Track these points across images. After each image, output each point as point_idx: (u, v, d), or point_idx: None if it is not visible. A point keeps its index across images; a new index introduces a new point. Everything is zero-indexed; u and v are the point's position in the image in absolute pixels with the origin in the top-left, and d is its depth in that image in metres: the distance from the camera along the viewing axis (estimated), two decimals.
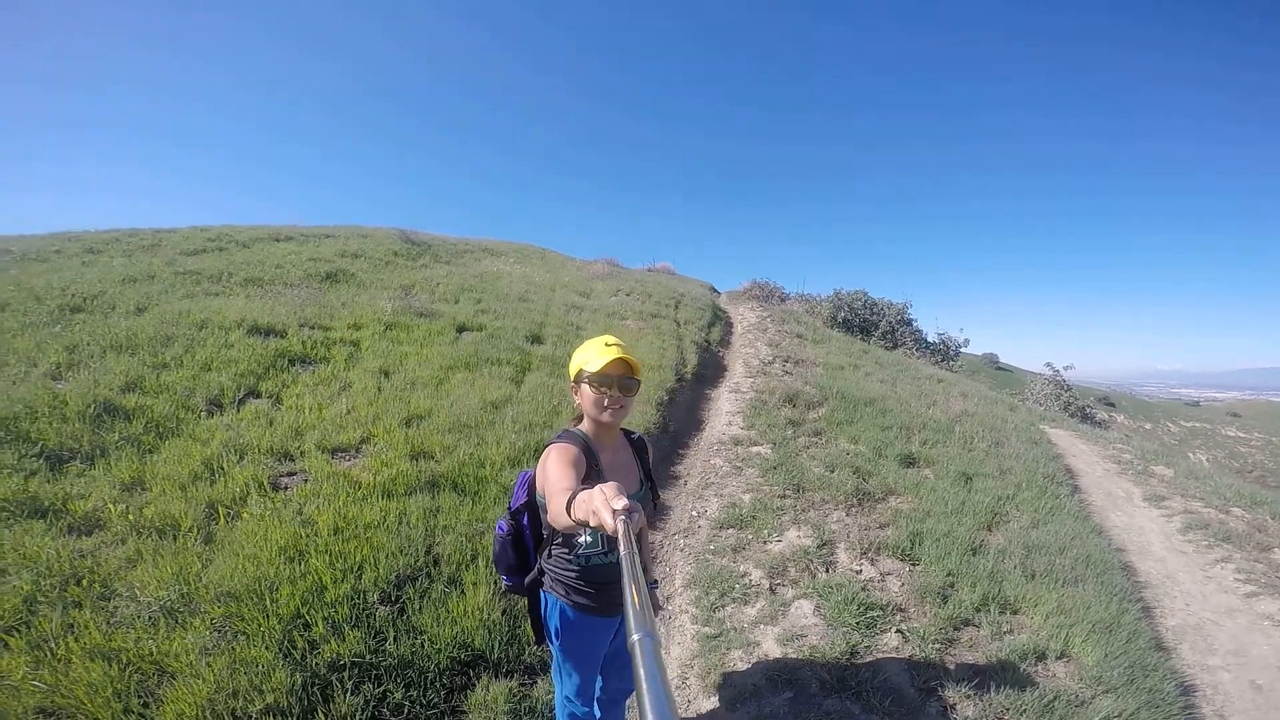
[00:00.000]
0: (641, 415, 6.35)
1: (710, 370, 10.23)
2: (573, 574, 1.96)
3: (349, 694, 2.34)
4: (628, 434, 2.15)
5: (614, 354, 1.87)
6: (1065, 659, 3.05)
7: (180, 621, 2.57)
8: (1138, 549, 4.92)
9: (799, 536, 4.20)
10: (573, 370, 1.94)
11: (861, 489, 5.23)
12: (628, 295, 13.13)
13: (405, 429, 5.13)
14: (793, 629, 3.13)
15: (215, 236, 10.48)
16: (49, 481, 3.70)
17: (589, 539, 1.93)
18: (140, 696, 2.14)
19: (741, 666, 2.84)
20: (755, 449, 6.18)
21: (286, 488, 4.12)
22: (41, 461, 3.91)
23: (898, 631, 3.16)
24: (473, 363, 7.23)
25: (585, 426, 1.97)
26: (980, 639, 3.18)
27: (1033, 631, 3.28)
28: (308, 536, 3.39)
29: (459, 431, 5.22)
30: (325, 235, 12.21)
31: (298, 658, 2.45)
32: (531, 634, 2.27)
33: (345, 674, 2.44)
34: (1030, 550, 4.30)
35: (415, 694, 2.47)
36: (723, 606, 3.35)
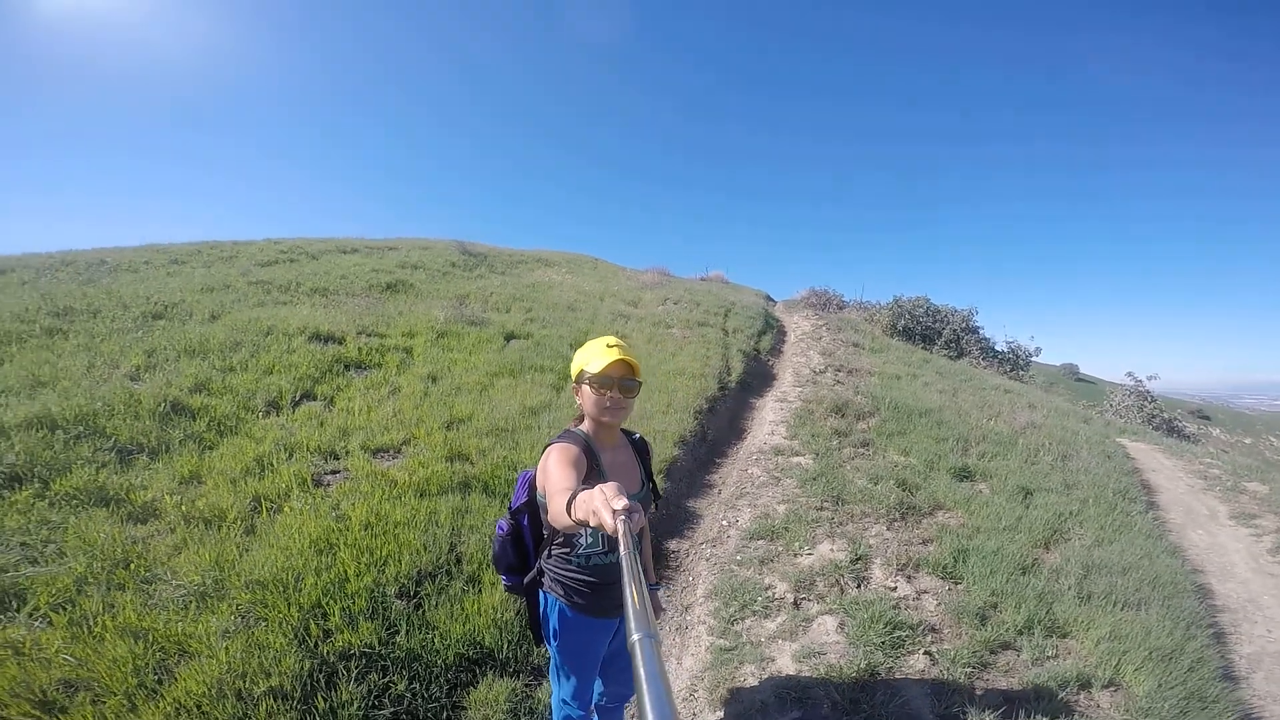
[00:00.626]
0: (678, 423, 6.29)
1: (757, 379, 10.05)
2: (573, 574, 1.96)
3: (353, 682, 2.41)
4: (629, 434, 2.15)
5: (615, 355, 1.87)
6: (1113, 688, 2.77)
7: (209, 606, 2.72)
8: (1218, 570, 4.44)
9: (832, 550, 4.03)
10: (574, 371, 1.95)
11: (906, 503, 4.98)
12: (675, 304, 13.09)
13: (445, 431, 5.28)
14: (812, 646, 3.00)
15: (287, 249, 11.22)
16: (116, 473, 4.02)
17: (589, 539, 1.94)
18: (157, 674, 2.27)
19: (752, 682, 2.74)
20: (796, 459, 5.99)
21: (328, 484, 4.32)
22: (113, 455, 4.25)
23: (926, 653, 2.97)
24: (516, 369, 7.38)
25: (586, 427, 1.97)
26: (1018, 664, 2.94)
27: (1080, 658, 3.00)
28: (339, 531, 3.53)
29: (496, 435, 5.33)
30: (389, 248, 12.82)
31: (311, 645, 2.55)
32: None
33: (353, 663, 2.51)
34: (1089, 570, 3.96)
35: (419, 687, 2.51)
36: (742, 619, 3.25)
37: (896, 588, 3.61)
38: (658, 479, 4.90)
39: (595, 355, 1.89)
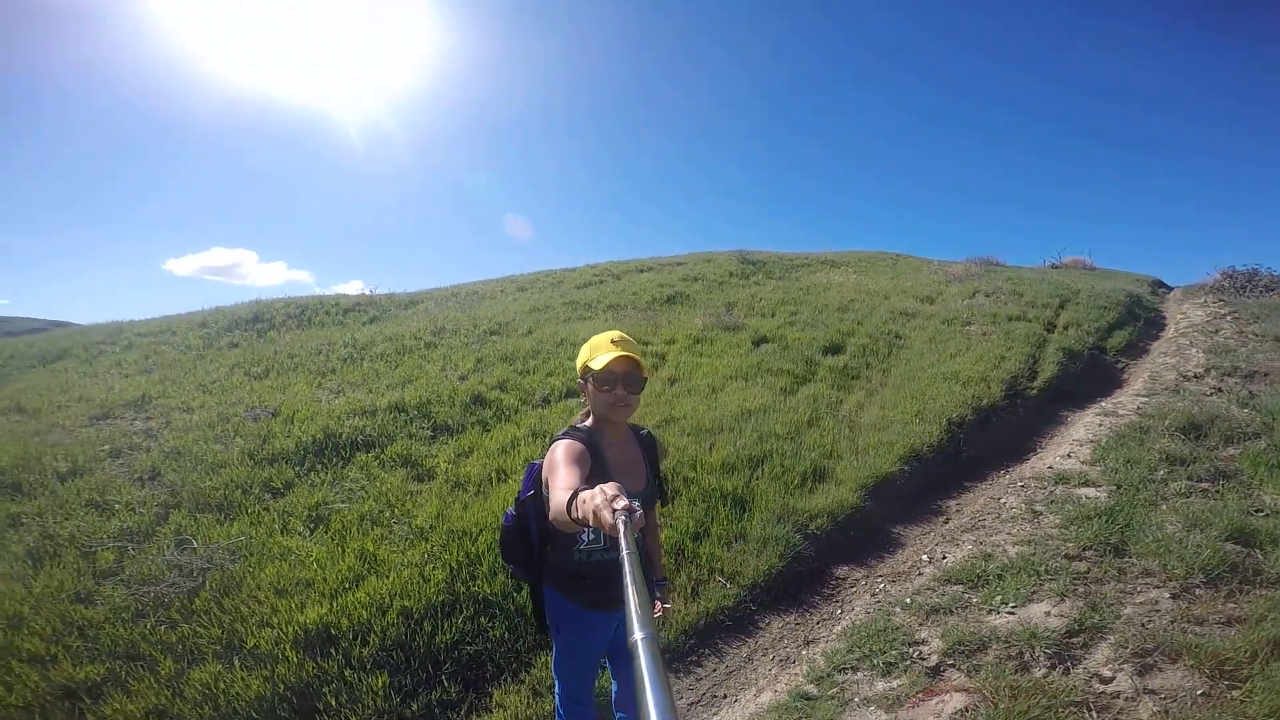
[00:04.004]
0: (918, 435, 5.48)
1: (1087, 384, 7.89)
2: (575, 569, 1.97)
3: (460, 620, 3.00)
4: (636, 430, 2.11)
5: (618, 351, 1.86)
6: None
7: (415, 543, 3.69)
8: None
9: (1047, 613, 3.06)
10: (579, 367, 1.96)
11: (1236, 563, 3.40)
12: (987, 296, 11.08)
13: (658, 430, 5.75)
14: None
15: (599, 272, 13.40)
16: (424, 445, 5.60)
17: (591, 535, 1.94)
18: (354, 581, 3.27)
19: None
20: (1082, 490, 4.60)
21: None
22: (429, 432, 5.92)
23: None
24: (752, 373, 7.45)
25: (593, 423, 1.97)
26: None
27: None
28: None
29: (698, 434, 5.57)
30: (677, 264, 14.13)
31: (453, 585, 3.24)
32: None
33: (474, 606, 3.11)
34: None
35: (507, 635, 2.96)
36: (853, 670, 2.77)
37: (1113, 679, 2.56)
38: (854, 496, 4.45)
39: (598, 352, 1.89)
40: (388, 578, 3.37)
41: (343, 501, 4.47)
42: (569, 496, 1.34)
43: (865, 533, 4.24)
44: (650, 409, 6.33)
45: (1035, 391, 7.18)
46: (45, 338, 10.10)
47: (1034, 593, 3.25)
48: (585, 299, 11.35)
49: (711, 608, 3.26)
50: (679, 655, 3.01)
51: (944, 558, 3.67)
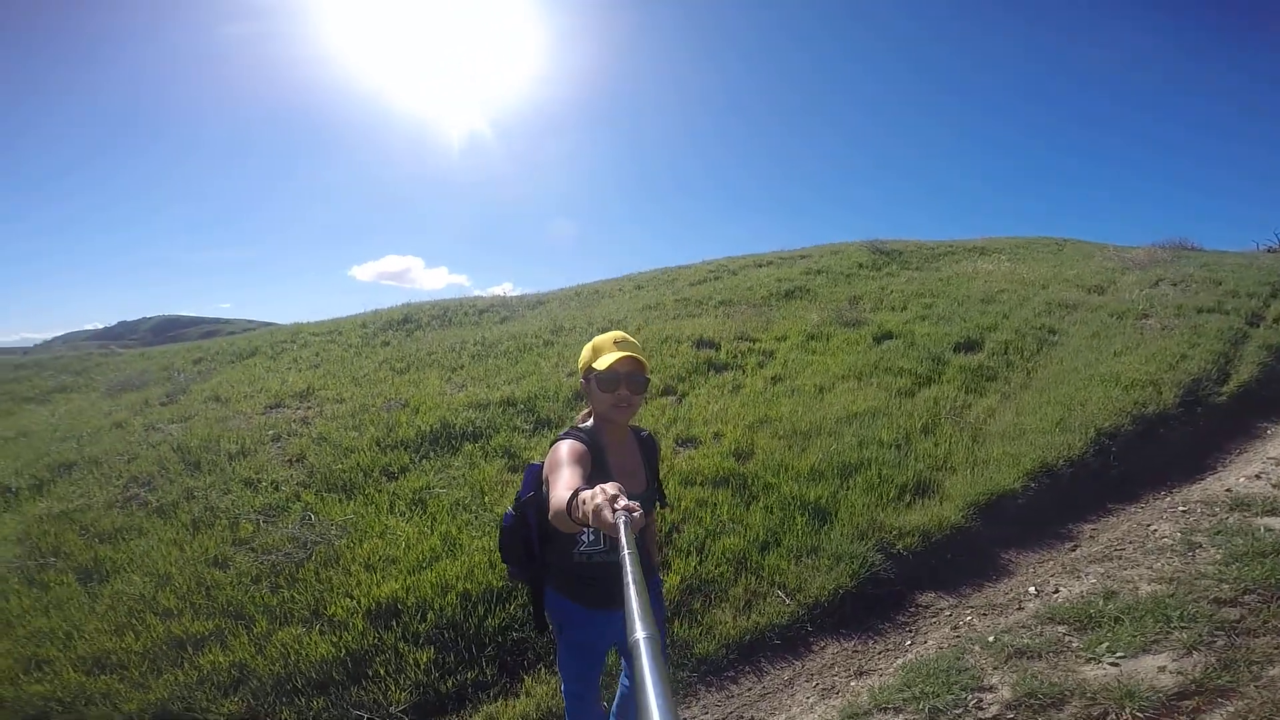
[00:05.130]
0: (1055, 446, 4.72)
1: None
2: (575, 569, 1.97)
3: (513, 607, 3.12)
4: (637, 432, 2.09)
5: (622, 352, 1.86)
6: None
7: (490, 531, 3.90)
8: None
9: (1160, 668, 2.46)
10: (580, 367, 1.97)
11: None
12: (1173, 285, 9.25)
13: (749, 431, 5.52)
14: None
15: (714, 268, 13.19)
16: (524, 438, 5.90)
17: (591, 536, 1.92)
18: (431, 560, 3.56)
19: None
20: (1265, 520, 3.68)
21: None
22: (532, 426, 6.22)
23: None
24: (867, 372, 6.90)
25: (594, 424, 1.97)
26: None
27: None
28: None
29: (791, 438, 5.27)
30: (800, 257, 13.46)
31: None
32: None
33: (526, 594, 3.22)
34: None
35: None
36: (896, 711, 2.41)
37: None
38: (958, 514, 3.96)
39: (601, 352, 1.88)
40: (459, 560, 3.59)
41: (442, 487, 4.85)
42: (569, 496, 1.34)
43: (966, 556, 3.72)
44: (746, 409, 6.10)
45: (1224, 398, 5.85)
46: (244, 337, 12.14)
47: (1154, 641, 2.63)
48: (697, 296, 11.23)
49: (763, 623, 3.04)
50: (715, 668, 2.84)
51: (1055, 591, 3.10)
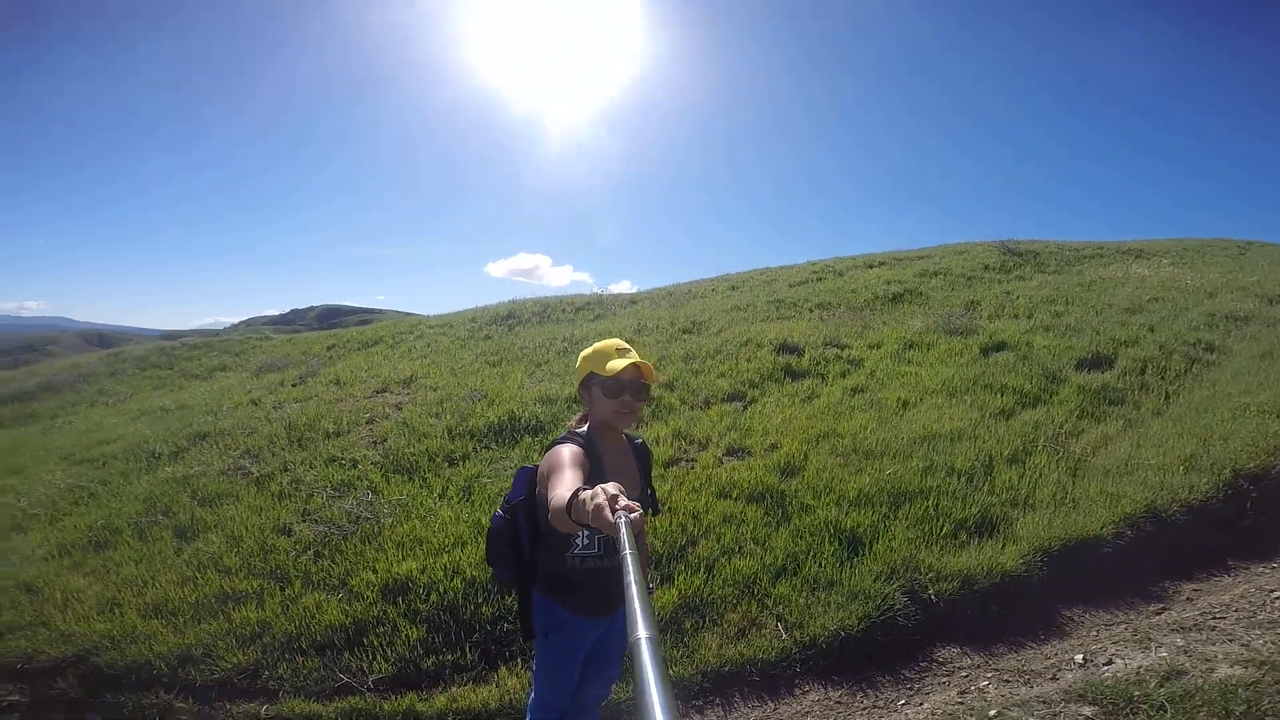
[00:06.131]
0: (1177, 487, 3.93)
1: None
2: (567, 573, 1.96)
3: (510, 599, 3.17)
4: (631, 439, 2.11)
5: (627, 360, 1.89)
6: None
7: None
8: None
9: None
10: (580, 373, 1.97)
11: None
12: None
13: (808, 445, 5.18)
14: None
15: (819, 269, 12.50)
16: None
17: (585, 540, 1.93)
18: (451, 546, 3.72)
19: None
20: None
21: (678, 464, 5.10)
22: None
23: None
24: (964, 388, 6.22)
25: (590, 429, 1.96)
26: None
27: None
28: None
29: (850, 457, 4.88)
30: (918, 258, 12.37)
31: None
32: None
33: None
34: None
35: None
36: None
37: None
38: (1018, 560, 3.44)
39: (605, 359, 1.90)
40: (479, 547, 3.73)
41: (489, 477, 5.07)
42: (570, 496, 1.34)
43: (1016, 610, 3.17)
44: (813, 421, 5.73)
45: None
46: (371, 328, 13.53)
47: None
48: (793, 298, 10.74)
49: (748, 655, 2.81)
50: (683, 694, 2.68)
51: (1107, 662, 2.57)
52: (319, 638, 3.06)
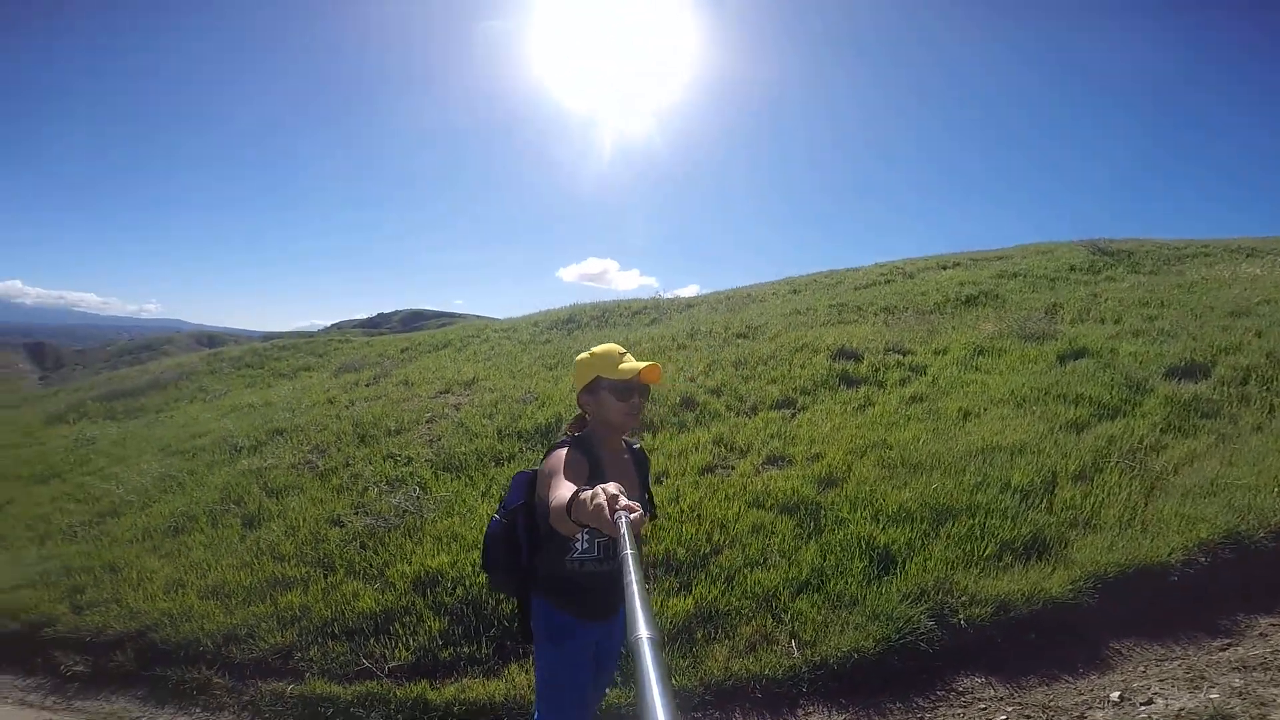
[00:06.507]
0: (1266, 510, 3.50)
1: None
2: (565, 578, 1.95)
3: None
4: (629, 444, 2.13)
5: (640, 363, 1.90)
6: None
7: None
8: None
9: None
10: (585, 378, 1.95)
11: None
12: None
13: (853, 456, 4.98)
14: None
15: (887, 271, 11.96)
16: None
17: (585, 544, 1.90)
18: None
19: None
20: None
21: (715, 472, 5.04)
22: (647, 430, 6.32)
23: None
24: (1032, 398, 5.81)
25: (589, 434, 1.96)
26: None
27: None
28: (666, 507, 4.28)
29: (896, 470, 4.65)
30: (996, 258, 11.59)
31: None
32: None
33: None
34: None
35: None
36: None
37: None
38: (1066, 586, 3.20)
39: (615, 362, 1.90)
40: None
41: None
42: (570, 496, 1.35)
43: (1056, 639, 2.91)
44: (863, 430, 5.50)
45: None
46: (442, 331, 14.19)
47: None
48: (857, 301, 10.35)
49: (754, 671, 2.72)
50: (681, 704, 2.64)
51: (1146, 702, 2.32)
52: (351, 624, 3.26)
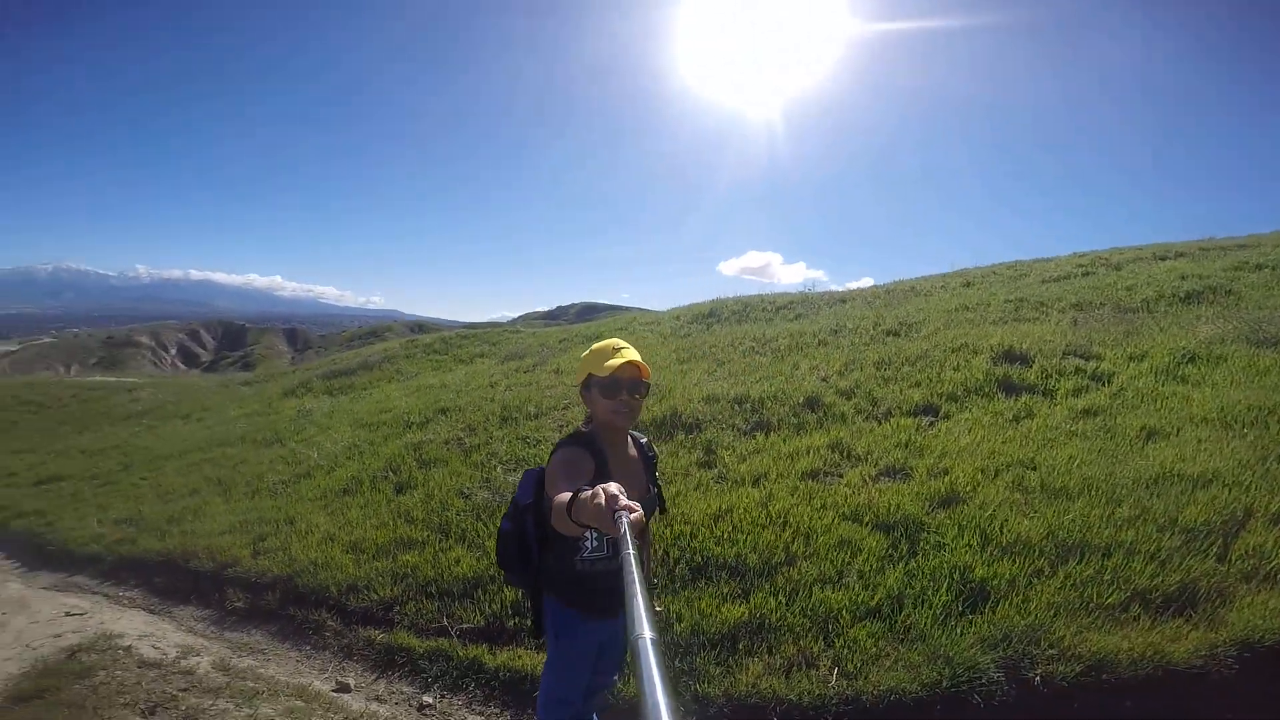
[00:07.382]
0: None
1: None
2: (574, 576, 1.98)
3: None
4: (637, 439, 2.13)
5: (622, 358, 1.90)
6: None
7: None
8: None
9: None
10: (580, 375, 2.01)
11: None
12: None
13: (987, 476, 4.42)
14: None
15: (1087, 261, 10.02)
16: (731, 436, 5.94)
17: (594, 542, 1.93)
18: None
19: None
20: None
21: (820, 479, 4.80)
22: (747, 426, 6.20)
23: None
24: (1248, 419, 4.71)
25: (594, 430, 1.98)
26: None
27: None
28: (737, 511, 4.22)
29: (1036, 495, 4.04)
30: (1237, 246, 9.18)
31: None
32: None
33: None
34: None
35: None
36: None
37: None
38: (1190, 652, 2.59)
39: (603, 359, 1.92)
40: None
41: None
42: (570, 496, 1.37)
43: (1152, 709, 2.32)
44: (1010, 446, 4.83)
45: None
46: (596, 324, 15.02)
47: None
48: (1041, 296, 8.95)
49: (780, 693, 2.52)
50: (700, 713, 2.58)
51: None
52: (446, 585, 3.74)
